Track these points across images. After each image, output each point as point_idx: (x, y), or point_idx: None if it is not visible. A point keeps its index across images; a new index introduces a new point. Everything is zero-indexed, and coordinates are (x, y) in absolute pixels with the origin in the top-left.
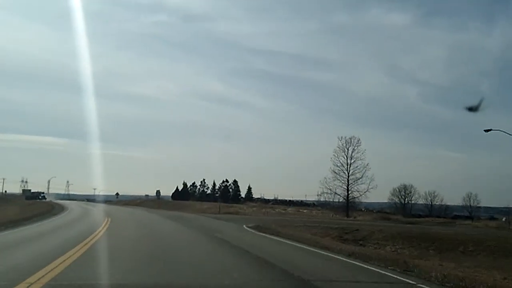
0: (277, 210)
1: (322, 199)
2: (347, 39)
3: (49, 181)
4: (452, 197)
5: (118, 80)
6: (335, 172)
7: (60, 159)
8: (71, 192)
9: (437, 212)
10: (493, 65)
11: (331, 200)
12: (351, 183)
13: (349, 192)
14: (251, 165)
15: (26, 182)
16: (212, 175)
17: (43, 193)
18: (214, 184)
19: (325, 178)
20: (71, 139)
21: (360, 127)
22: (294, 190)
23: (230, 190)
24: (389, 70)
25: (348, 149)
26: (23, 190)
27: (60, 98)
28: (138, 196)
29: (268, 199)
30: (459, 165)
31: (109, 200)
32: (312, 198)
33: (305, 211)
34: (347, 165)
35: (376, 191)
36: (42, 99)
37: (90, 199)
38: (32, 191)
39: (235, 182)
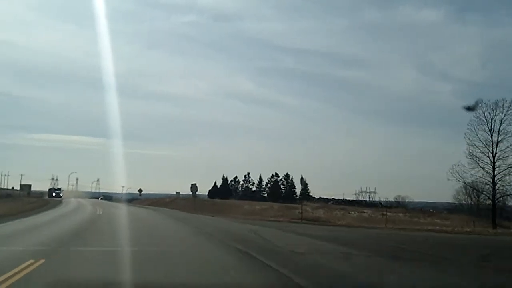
0: (354, 213)
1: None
2: (378, 36)
3: (77, 179)
4: None
5: (148, 79)
6: (473, 156)
7: (91, 157)
8: (101, 190)
9: None
10: None
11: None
12: (499, 174)
13: (496, 186)
14: (283, 163)
15: (57, 179)
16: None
17: (59, 189)
18: (261, 179)
19: (458, 164)
20: (101, 138)
21: (391, 125)
22: (335, 188)
23: (281, 186)
24: (422, 67)
25: (493, 120)
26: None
27: (90, 98)
28: (167, 194)
29: (327, 198)
30: None
31: (134, 199)
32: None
33: (400, 214)
34: (492, 144)
35: None
36: (74, 99)
37: (106, 196)
38: (53, 188)
39: (287, 176)
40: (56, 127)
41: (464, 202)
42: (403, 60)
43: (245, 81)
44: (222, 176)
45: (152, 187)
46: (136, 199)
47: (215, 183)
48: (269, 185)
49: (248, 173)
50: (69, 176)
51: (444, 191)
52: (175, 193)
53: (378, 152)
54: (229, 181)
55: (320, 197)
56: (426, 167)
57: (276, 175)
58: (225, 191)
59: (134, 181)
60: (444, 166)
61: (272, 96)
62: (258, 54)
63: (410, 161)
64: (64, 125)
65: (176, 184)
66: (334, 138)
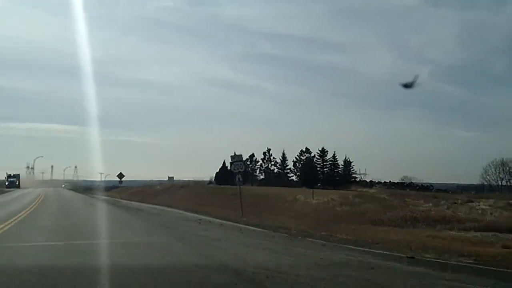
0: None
1: None
2: (356, 20)
3: (52, 167)
4: None
5: (124, 66)
6: None
7: (68, 145)
8: (80, 178)
9: None
10: (504, 42)
11: None
12: None
13: None
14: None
15: (32, 168)
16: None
17: (14, 176)
18: (284, 157)
19: None
20: (78, 126)
21: (369, 108)
22: None
23: (317, 166)
24: (399, 50)
25: None
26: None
27: (65, 85)
28: (152, 180)
29: (374, 181)
30: None
31: (115, 187)
32: None
33: None
34: None
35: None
36: (48, 86)
37: (75, 185)
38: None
39: (322, 152)
40: (31, 115)
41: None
42: (380, 44)
43: (223, 67)
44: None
45: (134, 174)
46: (116, 187)
47: (224, 163)
48: (298, 164)
49: (269, 150)
50: (34, 161)
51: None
52: (167, 178)
53: (360, 135)
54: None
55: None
56: (403, 148)
57: (307, 150)
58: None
59: (115, 168)
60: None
61: (251, 81)
62: (235, 40)
63: (391, 142)
64: (39, 113)
65: (158, 172)
66: (314, 122)
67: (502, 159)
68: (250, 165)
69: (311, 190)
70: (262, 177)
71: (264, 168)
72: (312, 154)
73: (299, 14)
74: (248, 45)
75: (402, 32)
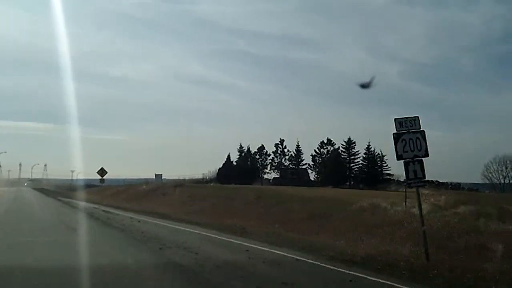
0: None
1: None
2: (328, 18)
3: (20, 164)
4: None
5: (98, 62)
6: None
7: (39, 144)
8: (50, 177)
9: None
10: (474, 40)
11: None
12: None
13: None
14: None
15: (0, 166)
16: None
17: None
18: (298, 150)
19: None
20: (50, 124)
21: (342, 105)
22: None
23: (345, 160)
24: (371, 48)
25: None
26: None
27: (37, 81)
28: (131, 180)
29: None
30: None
31: (90, 186)
32: None
33: None
34: None
35: None
36: (19, 82)
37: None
38: None
39: (348, 144)
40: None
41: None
42: (352, 42)
43: (196, 64)
44: (239, 148)
45: (112, 173)
46: (94, 186)
47: (229, 157)
48: (318, 158)
49: (282, 141)
50: (20, 164)
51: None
52: (154, 176)
53: (334, 132)
54: (251, 154)
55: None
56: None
57: (329, 142)
58: (246, 170)
59: (90, 167)
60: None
61: (224, 79)
62: (208, 36)
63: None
64: (10, 110)
65: (138, 171)
66: (286, 120)
67: (504, 155)
68: (259, 159)
69: (376, 191)
70: (273, 174)
71: (276, 163)
72: (336, 146)
73: (272, 11)
74: (221, 42)
75: (374, 29)
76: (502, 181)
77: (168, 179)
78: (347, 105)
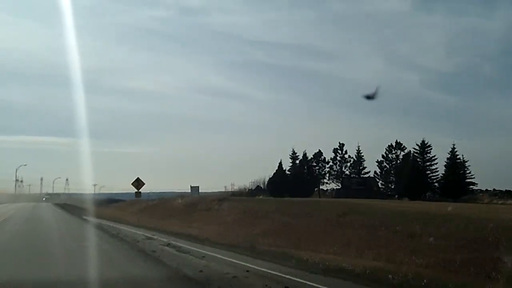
0: None
1: None
2: (346, 27)
3: (41, 179)
4: None
5: (115, 76)
6: None
7: (59, 158)
8: (71, 191)
9: None
10: (494, 48)
11: None
12: None
13: None
14: (261, 157)
15: (21, 181)
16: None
17: None
18: (360, 156)
19: None
20: (69, 138)
21: (361, 115)
22: None
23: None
24: (389, 57)
25: None
26: None
27: (57, 96)
28: (166, 192)
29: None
30: None
31: (112, 200)
32: None
33: None
34: None
35: None
36: (38, 97)
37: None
38: None
39: (422, 147)
40: (22, 127)
41: None
42: (370, 51)
43: (215, 75)
44: (291, 154)
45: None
46: (118, 201)
47: (280, 165)
48: (388, 165)
49: (342, 145)
50: (16, 171)
51: None
52: (189, 188)
53: (353, 140)
54: (308, 161)
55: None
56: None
57: (399, 146)
58: (303, 180)
59: (109, 181)
60: None
61: (243, 89)
62: (226, 48)
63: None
64: (30, 126)
65: (157, 184)
66: (306, 130)
67: None
68: (316, 168)
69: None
70: (332, 184)
71: (336, 171)
72: (406, 151)
73: (288, 21)
74: (239, 53)
75: (392, 39)
76: None
77: (203, 192)
78: (364, 116)
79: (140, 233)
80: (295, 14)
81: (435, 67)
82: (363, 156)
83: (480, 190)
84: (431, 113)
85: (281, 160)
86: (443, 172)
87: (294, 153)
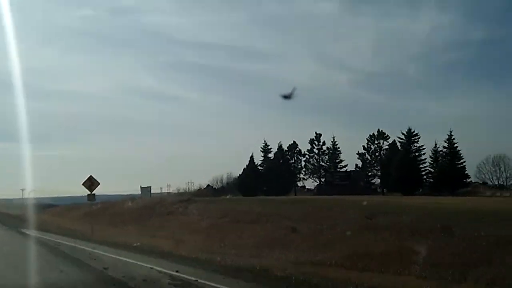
0: None
1: None
2: (278, 28)
3: None
4: None
5: (44, 78)
6: None
7: None
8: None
9: None
10: (419, 49)
11: None
12: None
13: None
14: (192, 158)
15: None
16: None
17: None
18: (335, 148)
19: None
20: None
21: (295, 116)
22: None
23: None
24: (320, 58)
25: None
26: None
27: None
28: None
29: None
30: None
31: (49, 204)
32: None
33: None
34: None
35: None
36: None
37: None
38: None
39: (408, 136)
40: None
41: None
42: (302, 52)
43: (146, 76)
44: (263, 146)
45: (68, 190)
46: (51, 206)
47: (252, 159)
48: (372, 157)
49: (319, 136)
50: None
51: None
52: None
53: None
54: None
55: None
56: None
57: (381, 135)
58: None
59: (39, 185)
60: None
61: (174, 91)
62: (158, 49)
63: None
64: None
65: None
66: (238, 130)
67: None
68: (291, 162)
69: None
70: (309, 180)
71: (313, 165)
72: (390, 141)
73: (222, 22)
74: (172, 54)
75: (323, 40)
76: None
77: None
78: (301, 115)
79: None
80: (228, 16)
81: (362, 67)
82: (339, 148)
83: (477, 183)
84: (359, 111)
85: (252, 154)
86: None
87: (266, 145)
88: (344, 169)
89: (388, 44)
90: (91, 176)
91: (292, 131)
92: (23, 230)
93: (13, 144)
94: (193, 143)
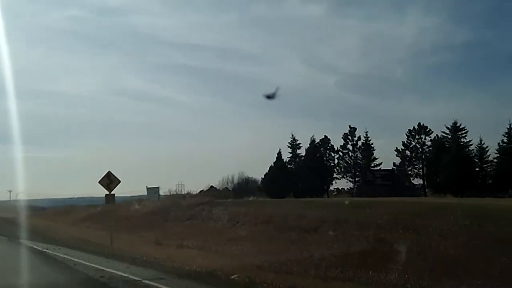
0: None
1: None
2: (267, 30)
3: None
4: None
5: (31, 78)
6: None
7: None
8: None
9: None
10: (406, 52)
11: None
12: None
13: None
14: (183, 162)
15: None
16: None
17: None
18: (368, 143)
19: None
20: None
21: (282, 117)
22: None
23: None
24: (308, 60)
25: None
26: None
27: None
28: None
29: None
30: None
31: (39, 207)
32: None
33: None
34: None
35: None
36: None
37: None
38: None
39: (455, 130)
40: None
41: None
42: (290, 54)
43: (134, 78)
44: (290, 141)
45: (54, 192)
46: (43, 209)
47: (279, 156)
48: (407, 155)
49: (353, 129)
50: None
51: None
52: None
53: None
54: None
55: None
56: None
57: (423, 129)
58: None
59: (29, 187)
60: None
61: (163, 92)
62: (146, 50)
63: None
64: None
65: (85, 189)
66: (227, 132)
67: None
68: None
69: None
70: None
71: (347, 162)
72: (432, 136)
73: (211, 24)
74: (160, 55)
75: (311, 42)
76: None
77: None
78: (288, 118)
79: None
80: (218, 17)
81: (349, 70)
82: (372, 144)
83: None
84: (346, 113)
85: (280, 150)
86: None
87: (294, 140)
88: (378, 168)
89: (373, 46)
90: (109, 172)
91: (282, 131)
92: (26, 242)
93: (1, 146)
94: (182, 145)
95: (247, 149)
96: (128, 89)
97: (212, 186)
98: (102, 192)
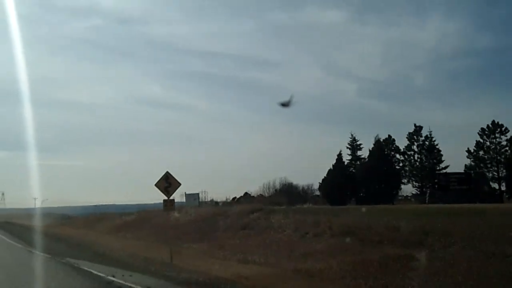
0: None
1: None
2: (285, 37)
3: None
4: None
5: (53, 87)
6: None
7: None
8: (8, 206)
9: None
10: (426, 58)
11: None
12: None
13: None
14: (202, 170)
15: None
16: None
17: None
18: (432, 143)
19: None
20: (6, 151)
21: (302, 124)
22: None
23: None
24: (328, 67)
25: None
26: None
27: None
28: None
29: None
30: None
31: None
32: None
33: None
34: None
35: None
36: None
37: None
38: None
39: None
40: None
41: None
42: (309, 61)
43: (154, 86)
44: (350, 141)
45: (70, 199)
46: (69, 218)
47: (340, 158)
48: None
49: (419, 128)
50: None
51: None
52: (184, 196)
53: (298, 150)
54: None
55: None
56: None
57: (498, 127)
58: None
59: (51, 194)
60: None
61: (182, 100)
62: (165, 58)
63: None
64: None
65: (105, 196)
66: (246, 139)
67: None
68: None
69: None
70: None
71: (414, 165)
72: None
73: (229, 31)
74: (179, 63)
75: (330, 49)
76: None
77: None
78: (308, 125)
79: None
80: (236, 25)
81: (370, 76)
82: (437, 145)
83: None
84: (366, 119)
85: (340, 151)
86: None
87: (354, 140)
88: (444, 171)
89: (394, 53)
90: (167, 173)
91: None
92: (76, 263)
93: (22, 154)
94: (204, 152)
95: (269, 156)
96: (147, 97)
97: (246, 193)
98: (126, 200)
